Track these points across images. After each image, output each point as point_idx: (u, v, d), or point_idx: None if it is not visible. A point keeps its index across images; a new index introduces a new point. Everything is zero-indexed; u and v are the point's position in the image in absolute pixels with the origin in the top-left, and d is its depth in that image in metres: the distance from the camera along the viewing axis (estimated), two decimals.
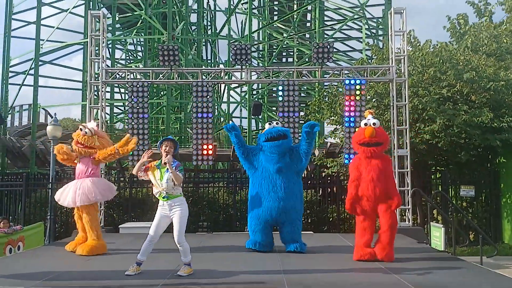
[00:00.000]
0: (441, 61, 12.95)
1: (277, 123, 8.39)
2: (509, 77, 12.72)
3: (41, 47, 23.16)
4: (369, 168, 7.03)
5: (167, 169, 6.01)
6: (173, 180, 5.97)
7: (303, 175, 17.59)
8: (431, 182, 14.01)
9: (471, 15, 16.00)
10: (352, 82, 11.17)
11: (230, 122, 8.70)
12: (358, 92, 11.14)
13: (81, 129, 7.96)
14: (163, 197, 6.08)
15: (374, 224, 7.23)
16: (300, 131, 11.28)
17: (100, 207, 11.44)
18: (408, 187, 11.20)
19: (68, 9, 25.55)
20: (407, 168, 11.23)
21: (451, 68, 12.63)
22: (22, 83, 24.04)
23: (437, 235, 9.31)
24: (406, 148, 11.24)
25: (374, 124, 7.15)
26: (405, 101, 11.44)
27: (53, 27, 25.04)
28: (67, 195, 7.76)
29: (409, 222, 11.29)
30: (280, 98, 11.34)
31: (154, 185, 6.17)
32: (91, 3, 24.82)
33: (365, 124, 7.19)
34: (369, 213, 7.07)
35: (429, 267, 6.73)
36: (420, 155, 12.59)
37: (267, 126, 8.33)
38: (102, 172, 11.89)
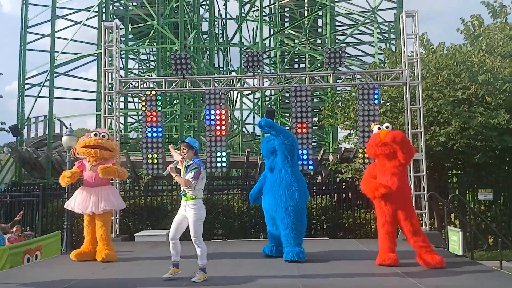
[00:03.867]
0: (455, 64, 12.85)
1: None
2: None
3: (56, 59, 23.49)
4: (384, 170, 7.07)
5: (186, 167, 6.20)
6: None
7: (318, 181, 17.61)
8: (448, 186, 13.85)
9: (486, 17, 15.84)
10: (366, 86, 11.12)
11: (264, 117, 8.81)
12: (371, 97, 11.09)
13: (96, 134, 8.04)
14: (181, 194, 6.31)
15: (395, 229, 7.16)
16: (313, 136, 11.31)
17: (116, 216, 11.51)
18: (424, 191, 11.07)
19: (82, 21, 25.89)
20: (423, 172, 11.12)
21: (466, 70, 12.52)
22: (37, 95, 24.37)
23: (455, 239, 9.16)
24: (422, 152, 11.13)
25: (387, 127, 7.27)
26: (419, 104, 11.34)
27: (68, 39, 25.37)
28: (84, 202, 7.79)
29: (426, 226, 11.13)
30: (293, 105, 11.33)
31: None
32: (104, 15, 25.13)
33: (378, 129, 7.26)
34: (388, 218, 7.01)
35: (447, 272, 6.64)
36: (436, 158, 12.46)
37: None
38: (118, 181, 11.98)
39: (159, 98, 11.55)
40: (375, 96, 11.12)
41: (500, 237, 10.04)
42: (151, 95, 11.50)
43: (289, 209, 7.50)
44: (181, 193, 6.27)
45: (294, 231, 7.51)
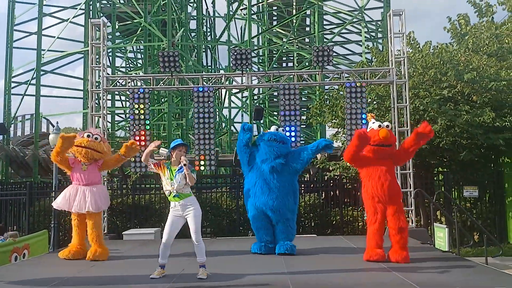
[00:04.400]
0: (441, 62, 12.98)
1: (282, 130, 8.88)
2: (511, 76, 12.73)
3: (43, 57, 23.28)
4: (377, 167, 7.14)
5: (178, 169, 6.20)
6: (186, 180, 6.14)
7: (306, 179, 17.70)
8: (434, 184, 14.00)
9: (472, 16, 16.00)
10: (353, 84, 11.21)
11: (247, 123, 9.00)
12: (359, 95, 11.18)
13: (88, 136, 8.01)
14: (174, 196, 6.21)
15: (384, 226, 7.26)
16: (301, 135, 11.36)
17: (104, 215, 11.46)
18: (410, 188, 11.20)
19: (69, 19, 25.67)
20: (410, 170, 11.24)
21: (452, 69, 12.65)
22: (24, 93, 24.13)
23: (441, 236, 9.29)
24: None
25: (387, 126, 7.35)
26: (406, 103, 11.46)
27: (54, 37, 25.16)
28: (73, 201, 7.74)
29: (412, 223, 11.26)
30: (282, 103, 11.38)
31: (164, 184, 6.33)
32: (91, 12, 24.97)
33: (379, 126, 7.29)
34: (380, 216, 7.10)
35: (434, 267, 6.74)
36: (422, 156, 12.58)
37: (273, 128, 8.66)
38: (105, 179, 11.93)
39: (147, 96, 11.52)
40: (363, 94, 11.22)
41: (485, 233, 10.18)
42: (139, 92, 11.47)
43: (294, 211, 8.22)
44: (174, 195, 6.21)
45: (293, 229, 8.17)
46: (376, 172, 7.18)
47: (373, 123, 7.48)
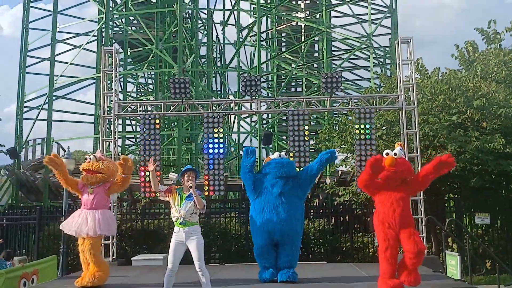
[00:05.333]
0: (450, 89, 13.01)
1: (285, 154, 8.84)
2: None
3: (55, 83, 23.66)
4: (390, 194, 7.05)
5: (188, 196, 6.20)
6: (195, 207, 6.16)
7: (315, 204, 17.61)
8: (445, 210, 13.87)
9: (480, 43, 16.09)
10: (362, 111, 11.25)
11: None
12: (368, 121, 11.20)
13: (86, 159, 8.10)
14: (180, 223, 6.21)
15: (397, 253, 7.10)
16: (310, 160, 11.36)
17: (112, 240, 11.45)
18: (421, 215, 11.10)
19: (82, 45, 26.16)
20: (420, 196, 11.16)
21: (461, 95, 12.68)
22: (36, 118, 24.46)
23: (453, 264, 9.17)
24: None
25: (395, 154, 7.17)
26: (415, 129, 11.46)
27: (67, 63, 25.60)
28: (76, 224, 7.69)
29: None
30: (291, 128, 11.43)
31: (173, 210, 6.34)
32: (103, 39, 25.41)
33: (387, 154, 7.22)
34: (391, 242, 6.97)
35: None
36: (432, 182, 12.46)
37: (276, 155, 8.60)
38: (114, 204, 11.96)
39: (157, 121, 11.63)
40: (372, 121, 11.23)
41: (497, 261, 10.02)
42: (150, 118, 11.58)
43: (300, 236, 8.33)
44: (181, 222, 6.21)
45: (297, 254, 8.17)
46: (389, 199, 7.07)
47: (386, 154, 7.32)
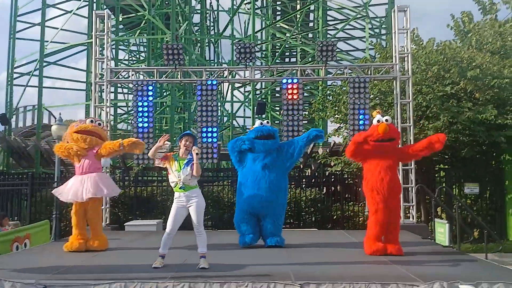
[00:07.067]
0: (444, 59, 12.98)
1: (267, 122, 8.79)
2: None
3: (46, 48, 23.25)
4: (379, 162, 7.17)
5: (186, 161, 6.23)
6: (193, 171, 6.18)
7: (307, 174, 17.72)
8: (436, 180, 14.03)
9: (476, 13, 15.94)
10: (356, 80, 11.22)
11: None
12: (362, 90, 11.19)
13: (92, 121, 8.02)
14: (180, 188, 6.26)
15: (386, 219, 7.21)
16: (304, 130, 11.37)
17: (106, 206, 11.51)
18: (412, 184, 11.23)
19: (73, 10, 25.63)
20: (411, 166, 11.26)
21: (455, 66, 12.65)
22: (26, 84, 24.10)
23: (442, 231, 9.34)
24: None
25: (386, 120, 7.28)
26: (409, 99, 11.48)
27: (58, 28, 25.12)
28: (71, 190, 7.63)
29: (413, 219, 11.31)
30: (284, 97, 11.40)
31: (171, 176, 6.36)
32: (94, 4, 24.90)
33: (378, 121, 7.28)
34: (380, 206, 7.13)
35: (435, 261, 6.80)
36: None
37: (257, 123, 8.64)
38: (107, 171, 11.96)
39: (150, 88, 11.53)
40: (366, 90, 11.23)
41: (486, 229, 10.23)
42: (143, 85, 11.48)
43: (284, 207, 8.59)
44: (180, 187, 6.25)
45: (281, 226, 8.41)
46: (377, 167, 7.22)
47: (381, 117, 7.40)
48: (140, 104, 11.44)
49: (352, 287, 5.17)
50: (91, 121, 8.05)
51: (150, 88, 11.53)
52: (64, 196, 7.79)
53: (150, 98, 11.54)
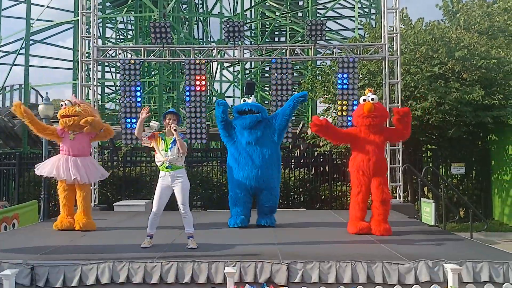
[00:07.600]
0: (433, 39, 12.98)
1: (251, 100, 8.70)
2: (500, 55, 12.79)
3: (32, 26, 22.84)
4: (366, 141, 7.21)
5: (173, 140, 6.18)
6: (178, 150, 6.14)
7: (296, 154, 17.79)
8: (422, 160, 14.16)
9: None
10: (345, 60, 11.20)
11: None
12: (351, 70, 11.19)
13: (61, 105, 7.96)
14: (167, 167, 6.23)
15: (367, 199, 7.37)
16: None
17: (94, 186, 11.48)
18: (399, 164, 11.33)
19: None
20: (399, 146, 11.35)
21: (443, 46, 12.67)
22: (13, 63, 23.77)
23: (428, 211, 9.46)
24: None
25: (372, 99, 7.25)
26: (398, 79, 11.51)
27: (44, 6, 24.67)
28: (62, 169, 7.61)
29: (400, 198, 11.45)
30: (273, 77, 11.37)
31: (157, 155, 6.33)
32: None
33: (364, 100, 7.30)
34: (363, 188, 7.21)
35: (420, 240, 6.90)
36: (411, 132, 12.68)
37: (241, 101, 8.74)
38: (95, 151, 11.92)
39: (138, 67, 11.41)
40: (355, 70, 11.24)
41: (471, 208, 10.39)
42: (130, 63, 11.36)
43: (278, 180, 8.60)
44: (167, 166, 6.22)
45: (277, 198, 8.44)
46: (365, 147, 7.26)
47: (368, 96, 7.38)
48: (127, 83, 11.33)
49: (338, 266, 5.25)
50: (61, 105, 7.95)
51: (138, 67, 11.41)
52: (51, 173, 7.75)
53: (138, 77, 11.43)
